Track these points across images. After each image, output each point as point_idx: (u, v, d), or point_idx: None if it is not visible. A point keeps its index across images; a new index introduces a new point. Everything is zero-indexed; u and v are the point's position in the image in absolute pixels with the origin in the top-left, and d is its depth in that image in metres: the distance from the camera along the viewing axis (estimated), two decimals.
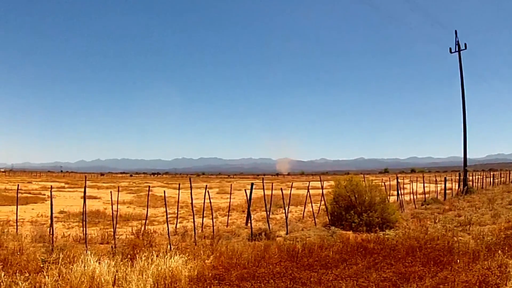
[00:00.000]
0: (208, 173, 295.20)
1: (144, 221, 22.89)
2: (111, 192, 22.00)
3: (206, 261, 15.07)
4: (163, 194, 22.06)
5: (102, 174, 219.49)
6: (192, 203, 22.05)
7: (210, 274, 12.95)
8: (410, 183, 44.43)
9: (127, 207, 39.82)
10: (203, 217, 25.18)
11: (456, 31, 56.55)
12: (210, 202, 23.70)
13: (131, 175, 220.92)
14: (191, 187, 22.31)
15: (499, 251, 14.72)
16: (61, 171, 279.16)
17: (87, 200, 40.11)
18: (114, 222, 20.40)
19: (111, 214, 21.68)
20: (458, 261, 13.68)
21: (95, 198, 45.37)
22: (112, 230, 20.07)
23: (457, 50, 56.21)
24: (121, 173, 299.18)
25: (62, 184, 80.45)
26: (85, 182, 21.08)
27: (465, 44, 56.04)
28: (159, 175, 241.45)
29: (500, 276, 12.12)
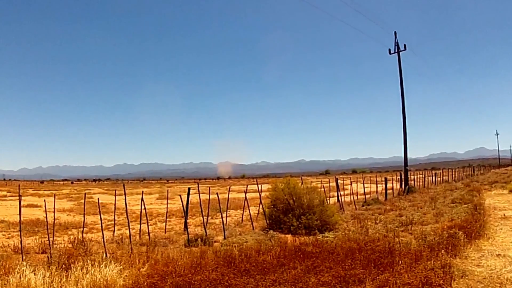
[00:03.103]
0: (149, 179, 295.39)
1: (82, 229, 22.29)
2: (44, 200, 21.38)
3: (142, 269, 14.36)
4: (102, 201, 21.40)
5: (42, 182, 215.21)
6: (126, 210, 21.50)
7: (145, 283, 12.30)
8: (350, 184, 44.31)
9: (67, 215, 38.76)
10: (140, 224, 24.43)
11: (395, 32, 57.18)
12: (146, 209, 23.17)
13: (72, 182, 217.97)
14: (125, 194, 21.70)
15: (443, 251, 14.52)
16: (4, 179, 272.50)
17: (28, 209, 39.29)
18: (50, 231, 19.51)
19: (50, 223, 20.77)
20: (400, 262, 13.27)
21: (35, 206, 43.97)
22: (50, 239, 19.26)
23: (396, 51, 56.76)
24: (62, 180, 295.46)
25: (4, 193, 78.14)
26: (19, 190, 20.28)
27: (405, 45, 56.74)
28: (100, 182, 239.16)
29: (444, 276, 11.79)
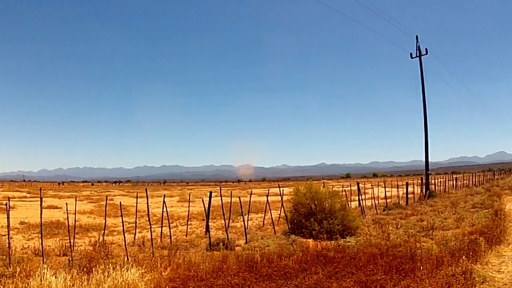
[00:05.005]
0: (170, 181, 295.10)
1: (103, 231, 22.37)
2: (66, 203, 21.44)
3: (163, 273, 14.38)
4: (123, 204, 21.51)
5: (59, 183, 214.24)
6: (148, 213, 21.62)
7: (167, 287, 12.42)
8: (371, 188, 44.12)
9: (88, 216, 38.72)
10: (162, 227, 24.37)
11: (417, 37, 56.60)
12: (167, 212, 23.21)
13: (92, 184, 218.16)
14: (147, 197, 21.87)
15: (464, 257, 14.42)
16: (24, 180, 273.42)
17: (48, 210, 39.24)
18: (71, 234, 19.70)
19: (71, 225, 20.85)
20: (421, 268, 13.29)
21: (56, 208, 44.19)
22: (71, 241, 19.36)
23: (418, 55, 56.26)
24: (83, 181, 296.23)
25: (24, 194, 78.33)
26: (41, 193, 20.29)
27: (426, 49, 56.11)
28: (121, 184, 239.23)
29: (465, 283, 11.81)
